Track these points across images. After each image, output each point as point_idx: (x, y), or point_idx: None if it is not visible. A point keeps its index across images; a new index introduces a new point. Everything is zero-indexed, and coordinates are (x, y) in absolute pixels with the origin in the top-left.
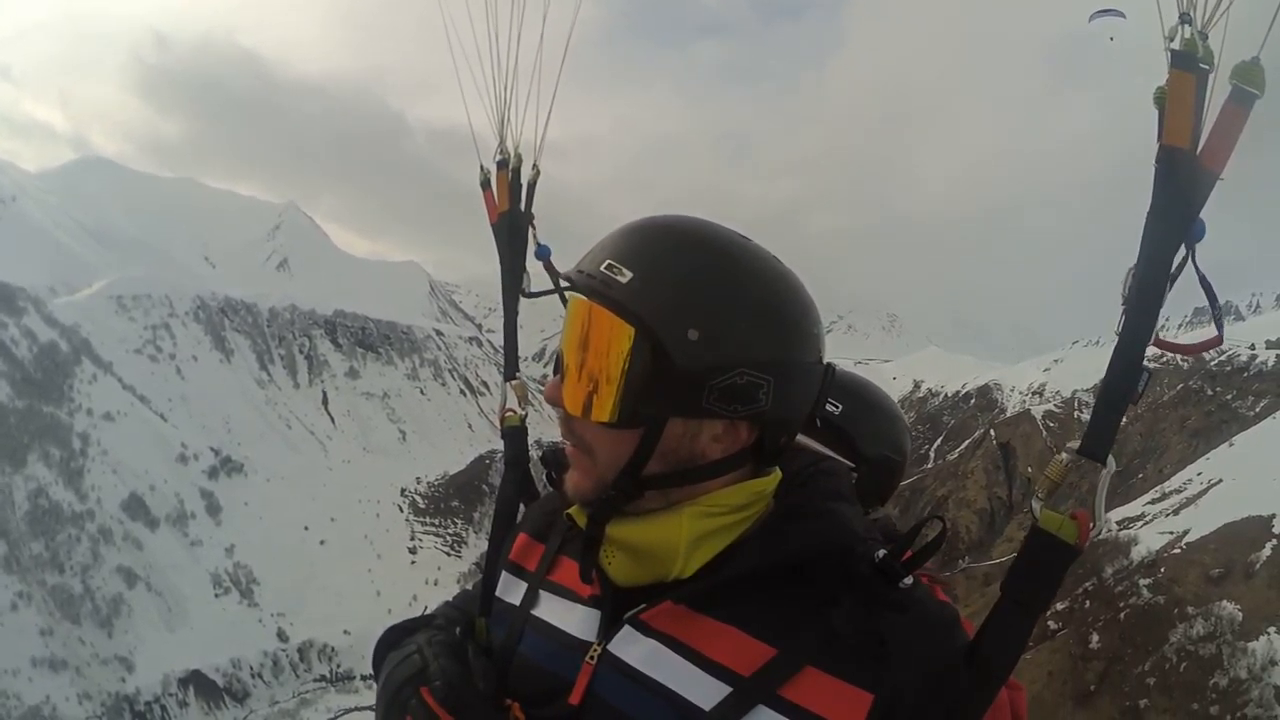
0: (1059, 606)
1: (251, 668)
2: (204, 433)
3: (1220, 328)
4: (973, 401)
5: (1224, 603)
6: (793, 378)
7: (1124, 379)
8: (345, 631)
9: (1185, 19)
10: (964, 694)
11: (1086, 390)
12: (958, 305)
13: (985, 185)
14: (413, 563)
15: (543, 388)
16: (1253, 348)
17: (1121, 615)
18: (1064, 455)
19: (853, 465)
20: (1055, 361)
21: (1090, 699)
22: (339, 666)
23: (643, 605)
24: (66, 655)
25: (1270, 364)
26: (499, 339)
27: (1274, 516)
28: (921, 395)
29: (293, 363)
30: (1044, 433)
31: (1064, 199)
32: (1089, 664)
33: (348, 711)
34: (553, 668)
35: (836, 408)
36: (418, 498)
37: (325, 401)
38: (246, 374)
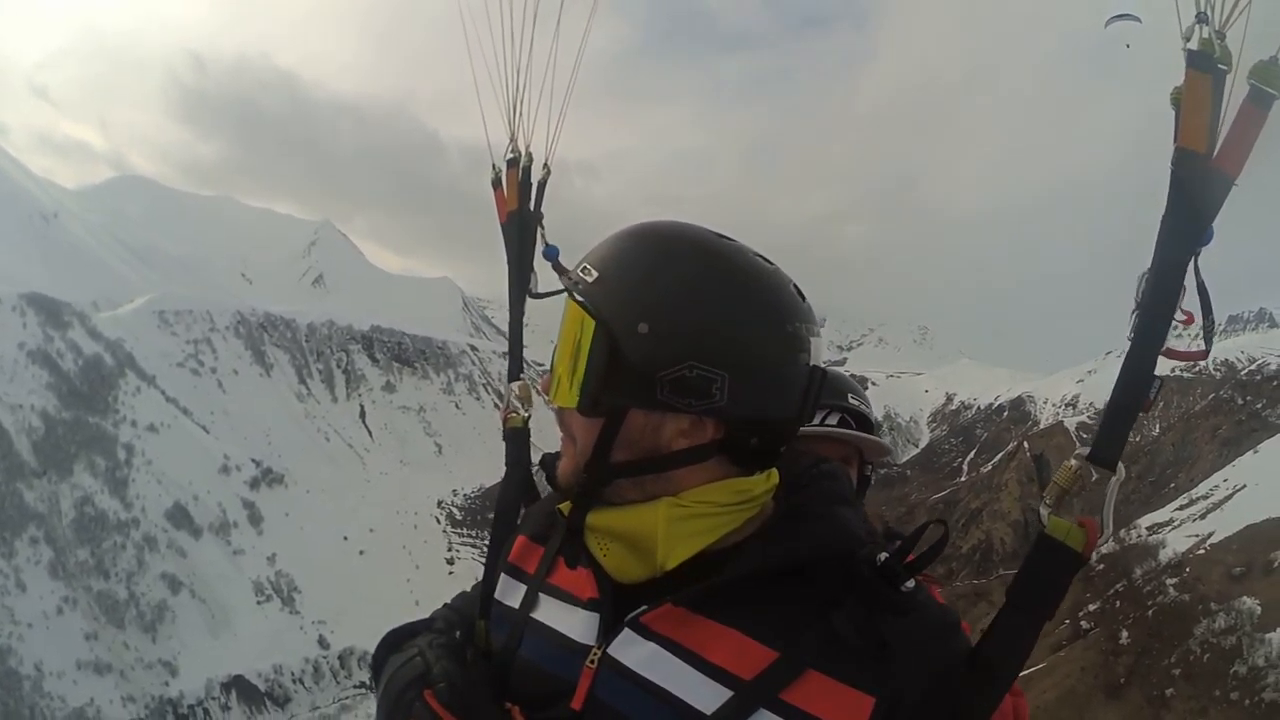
0: (1091, 607)
1: (293, 673)
2: (245, 444)
3: (1209, 342)
4: (1006, 414)
5: (1244, 598)
6: (754, 374)
7: (1136, 385)
8: None
9: (1202, 19)
10: (966, 698)
11: None
12: (991, 315)
13: (1018, 191)
14: (450, 573)
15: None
16: None
17: (1149, 612)
18: (1073, 461)
19: (889, 449)
20: (1089, 372)
21: (1121, 690)
22: (372, 657)
23: (643, 608)
24: (111, 659)
25: None
26: (530, 354)
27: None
28: (954, 408)
29: (330, 377)
30: (1077, 444)
31: (1095, 205)
32: (1119, 658)
33: None
34: (554, 671)
35: (854, 400)
36: (454, 509)
37: (363, 415)
38: (286, 388)
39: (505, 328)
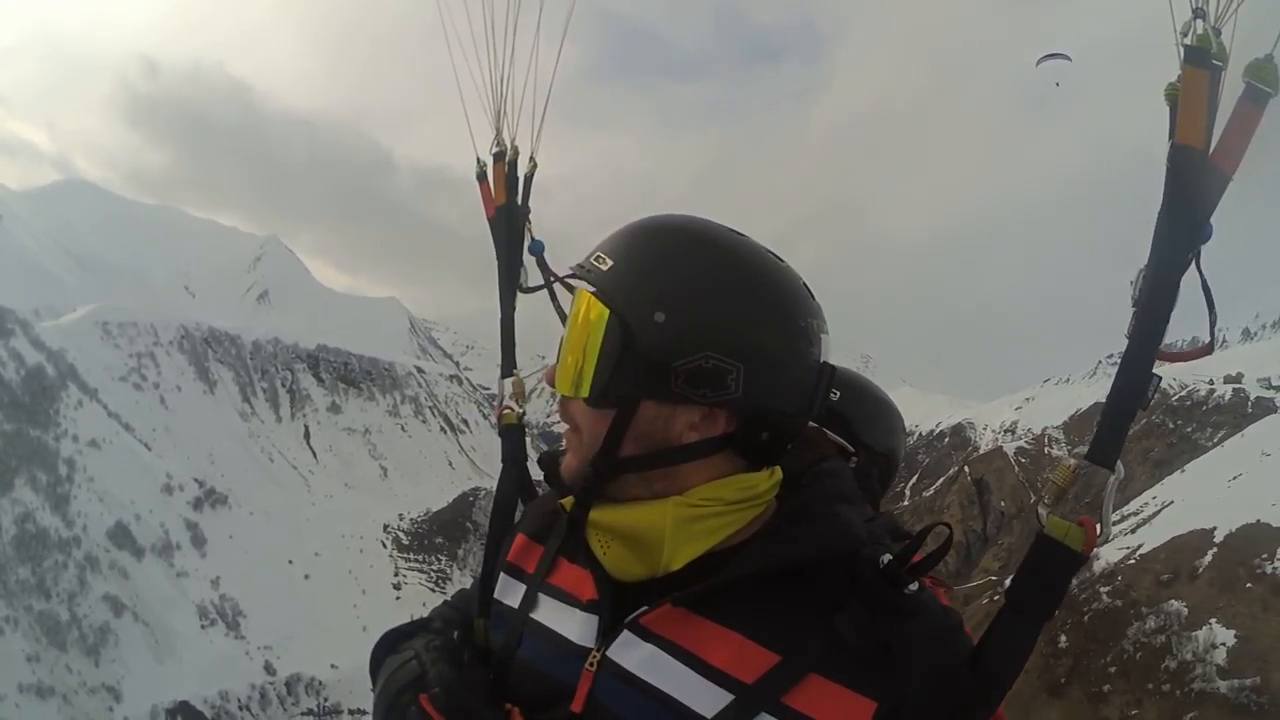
0: None
1: (239, 700)
2: (188, 463)
3: (1213, 337)
4: (947, 440)
5: (1172, 601)
6: (769, 367)
7: (1134, 384)
8: (333, 665)
9: (1199, 14)
10: (967, 702)
11: (1057, 427)
12: (931, 343)
13: (959, 220)
14: (398, 598)
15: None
16: (1210, 382)
17: (1085, 618)
18: (1072, 460)
19: (852, 450)
20: (1027, 399)
21: (1062, 689)
22: (326, 700)
23: (642, 609)
24: (54, 682)
25: (1227, 398)
26: (477, 377)
27: (1215, 529)
28: None
29: (275, 396)
30: (1016, 468)
31: (1036, 235)
32: (1059, 660)
33: None
34: (553, 673)
35: (834, 394)
36: (401, 534)
37: (307, 436)
38: (229, 406)
39: (451, 350)
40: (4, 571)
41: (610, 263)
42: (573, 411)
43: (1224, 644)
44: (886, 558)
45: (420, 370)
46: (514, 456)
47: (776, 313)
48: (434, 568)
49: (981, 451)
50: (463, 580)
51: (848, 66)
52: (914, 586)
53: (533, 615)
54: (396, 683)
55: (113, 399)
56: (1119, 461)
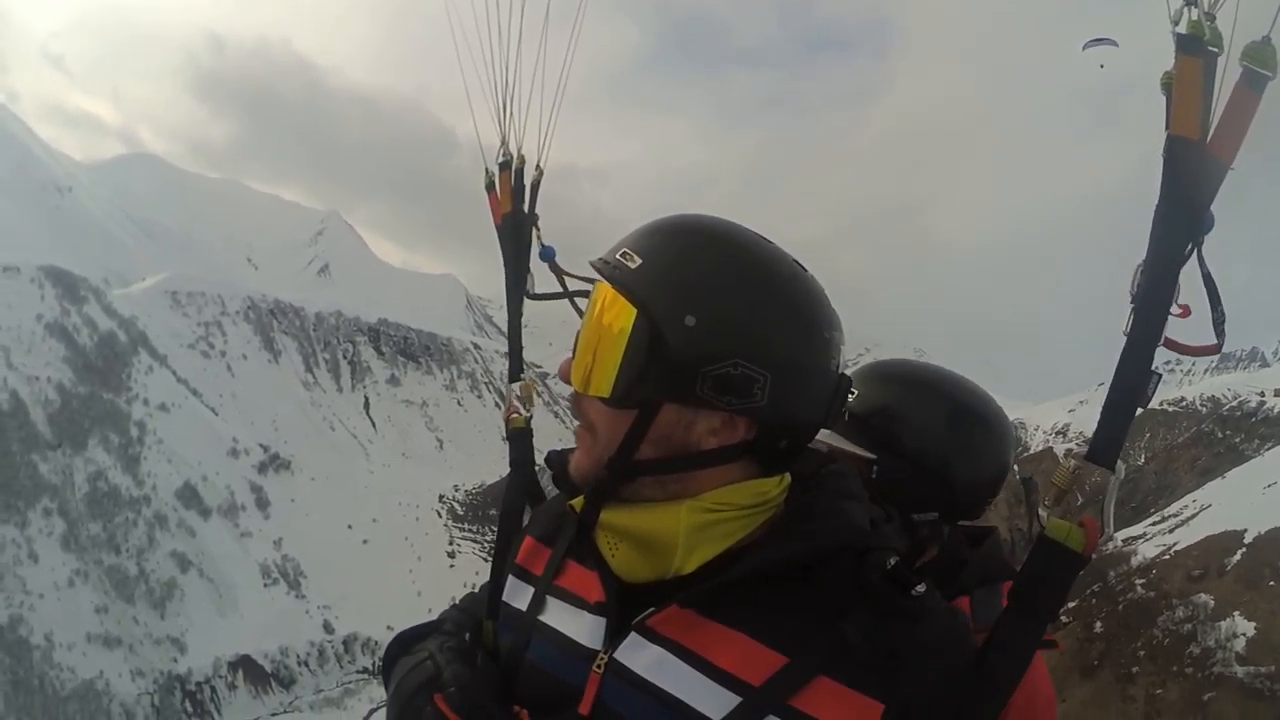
0: (1071, 604)
1: (298, 656)
2: (252, 429)
3: (1220, 335)
4: None
5: (1200, 594)
6: (794, 377)
7: (1133, 381)
8: (388, 627)
9: (1191, 1)
10: (971, 704)
11: None
12: (985, 343)
13: (1017, 227)
14: (451, 566)
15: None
16: (1261, 394)
17: (1120, 607)
18: (1071, 461)
19: (873, 457)
20: (1080, 403)
21: (1094, 670)
22: (381, 660)
23: (649, 610)
24: (120, 633)
25: (1277, 410)
26: (530, 354)
27: (1245, 530)
28: None
29: (336, 367)
30: None
31: (1094, 242)
32: (1093, 644)
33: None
34: (561, 675)
35: (852, 392)
36: (455, 504)
37: (367, 406)
38: (293, 375)
39: (506, 327)
40: (76, 527)
41: (639, 261)
42: (587, 409)
43: (1244, 634)
44: (893, 560)
45: (476, 346)
46: (522, 461)
47: (805, 324)
48: (487, 538)
49: (1031, 451)
50: None
51: (912, 66)
52: (921, 589)
53: (540, 617)
54: (412, 682)
55: (181, 365)
56: (1120, 461)
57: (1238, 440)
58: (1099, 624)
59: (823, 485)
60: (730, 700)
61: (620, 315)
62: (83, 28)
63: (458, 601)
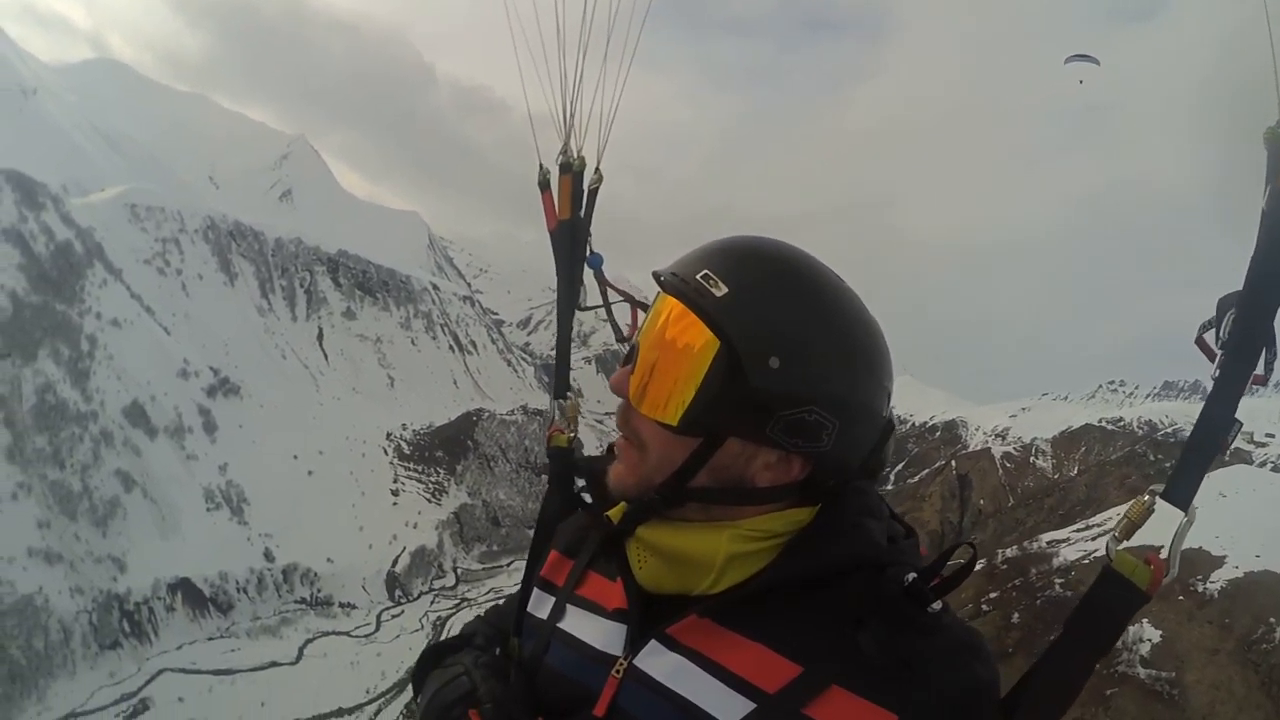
0: (992, 594)
1: (238, 582)
2: (204, 352)
3: (1269, 371)
4: (938, 434)
5: None
6: (858, 424)
7: (1217, 425)
8: (329, 560)
9: None
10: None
11: (1046, 440)
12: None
13: (981, 232)
14: (395, 504)
15: (527, 358)
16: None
17: (1038, 602)
18: (1146, 497)
19: None
20: (1023, 409)
21: (1009, 657)
22: (319, 591)
23: (670, 620)
24: (62, 549)
25: None
26: (487, 300)
27: (1161, 547)
28: None
29: (293, 295)
30: (1000, 471)
31: (1057, 253)
32: (1010, 632)
33: (324, 634)
34: (578, 678)
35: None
36: (403, 443)
37: (321, 338)
38: (248, 300)
39: (465, 271)
40: (22, 439)
41: (724, 289)
42: (640, 427)
43: (1150, 640)
44: (911, 576)
45: (435, 287)
46: (562, 479)
47: (875, 375)
48: (432, 479)
49: (970, 450)
50: (459, 495)
51: (901, 57)
52: (937, 605)
53: (560, 624)
54: (447, 698)
55: (136, 281)
56: (1193, 504)
57: (1167, 465)
58: (1016, 615)
59: (844, 503)
60: (745, 706)
61: (698, 343)
62: None
63: (483, 614)
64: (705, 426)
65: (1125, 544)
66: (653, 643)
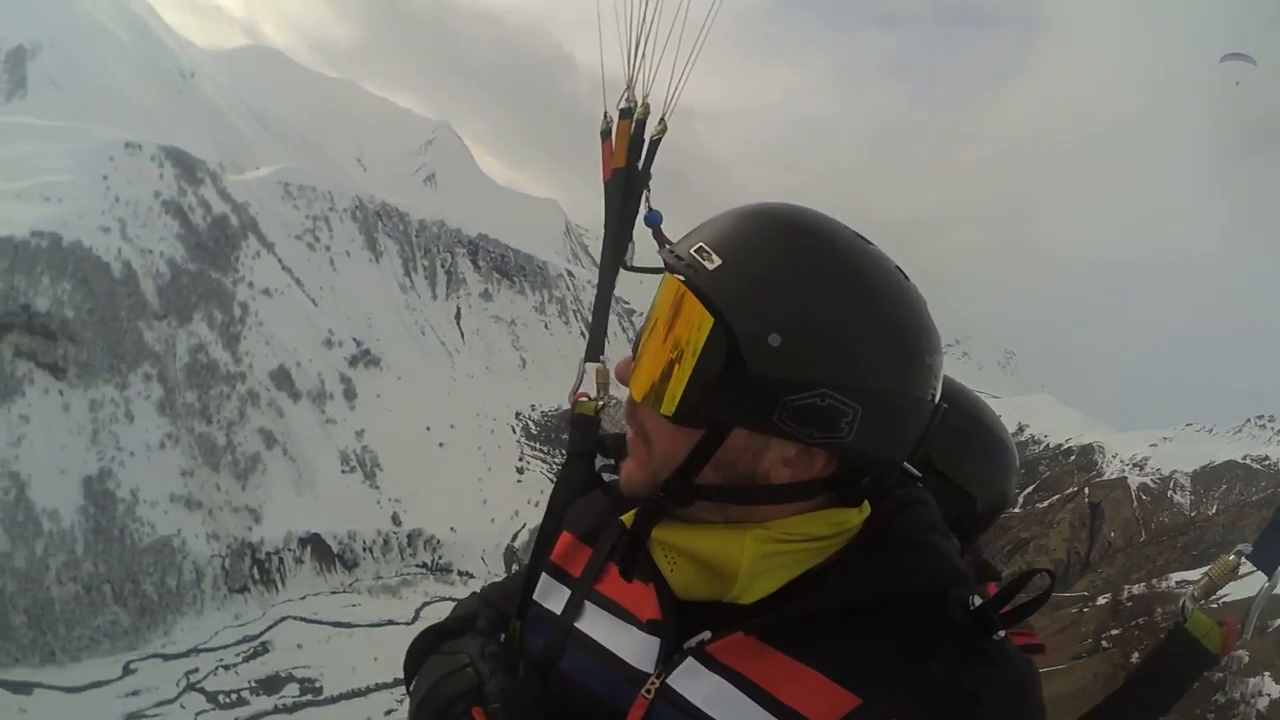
0: (1114, 631)
1: (364, 542)
2: (348, 323)
3: None
4: (1073, 458)
5: (1239, 650)
6: (888, 411)
7: None
8: (451, 529)
9: None
10: None
11: (1186, 474)
12: (1078, 358)
13: (1127, 252)
14: (519, 481)
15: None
16: None
17: None
18: (1232, 556)
19: (919, 475)
20: (1164, 439)
21: None
22: (440, 558)
23: (708, 634)
24: (202, 497)
25: None
26: (621, 290)
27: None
28: (1023, 439)
29: (434, 275)
30: (1135, 503)
31: (1215, 275)
32: (1126, 671)
33: (441, 600)
34: (603, 695)
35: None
36: (531, 423)
37: (458, 317)
38: (391, 277)
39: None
40: (173, 394)
41: (718, 261)
42: (643, 420)
43: (1269, 695)
44: (976, 600)
45: (570, 274)
46: (583, 449)
47: (906, 349)
48: (555, 460)
49: (1104, 478)
50: None
51: (1053, 61)
52: (1001, 634)
53: (578, 624)
54: (448, 690)
55: (287, 254)
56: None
57: None
58: (1136, 654)
59: (908, 514)
60: None
61: (693, 323)
62: None
63: (480, 591)
64: (705, 416)
65: (1203, 602)
66: (690, 660)
